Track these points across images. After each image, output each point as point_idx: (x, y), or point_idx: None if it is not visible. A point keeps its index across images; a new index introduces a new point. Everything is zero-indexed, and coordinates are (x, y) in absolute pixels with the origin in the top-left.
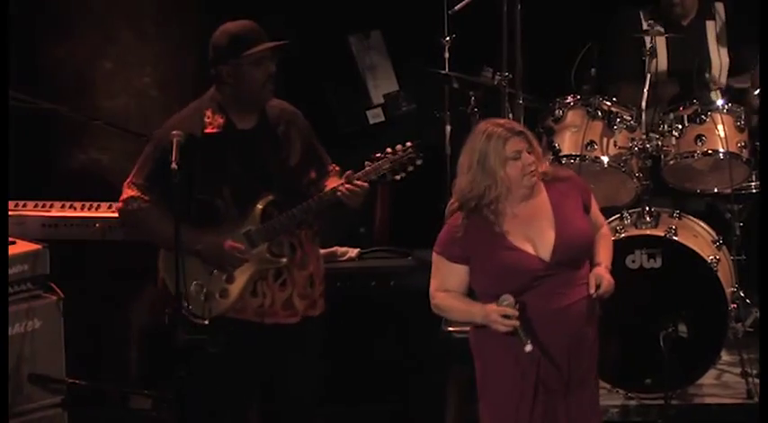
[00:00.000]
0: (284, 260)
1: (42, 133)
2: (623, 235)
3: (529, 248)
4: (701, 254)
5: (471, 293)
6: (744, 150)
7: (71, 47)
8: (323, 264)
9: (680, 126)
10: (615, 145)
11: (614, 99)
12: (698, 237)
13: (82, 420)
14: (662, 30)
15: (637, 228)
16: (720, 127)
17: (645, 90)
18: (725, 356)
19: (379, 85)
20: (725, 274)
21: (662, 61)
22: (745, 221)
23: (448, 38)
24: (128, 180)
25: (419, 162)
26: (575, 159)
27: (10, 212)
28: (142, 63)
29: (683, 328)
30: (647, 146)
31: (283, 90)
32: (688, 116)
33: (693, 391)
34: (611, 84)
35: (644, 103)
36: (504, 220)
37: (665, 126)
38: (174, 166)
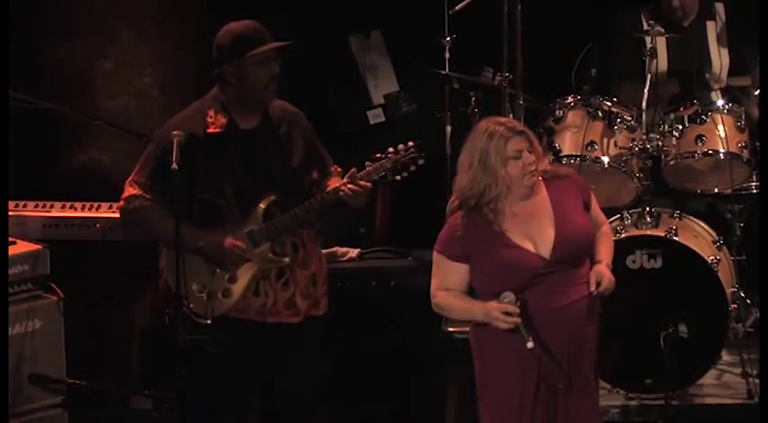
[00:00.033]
0: (287, 260)
1: (43, 133)
2: (624, 235)
3: (529, 246)
4: (702, 254)
5: (472, 292)
6: (744, 151)
7: (71, 47)
8: (325, 263)
9: (680, 126)
10: (616, 145)
11: (615, 99)
12: (698, 237)
13: (82, 421)
14: (662, 30)
15: (637, 228)
16: (721, 127)
17: (645, 90)
18: (725, 357)
19: (380, 85)
20: (725, 274)
21: (662, 61)
22: (746, 222)
23: (448, 38)
24: (129, 179)
25: (421, 162)
26: (575, 160)
27: (10, 213)
28: (142, 63)
29: (683, 328)
30: (648, 146)
31: (284, 90)
32: (688, 116)
33: (694, 392)
34: (612, 84)
35: (644, 104)
36: (504, 218)
37: (666, 126)
38: (174, 166)
